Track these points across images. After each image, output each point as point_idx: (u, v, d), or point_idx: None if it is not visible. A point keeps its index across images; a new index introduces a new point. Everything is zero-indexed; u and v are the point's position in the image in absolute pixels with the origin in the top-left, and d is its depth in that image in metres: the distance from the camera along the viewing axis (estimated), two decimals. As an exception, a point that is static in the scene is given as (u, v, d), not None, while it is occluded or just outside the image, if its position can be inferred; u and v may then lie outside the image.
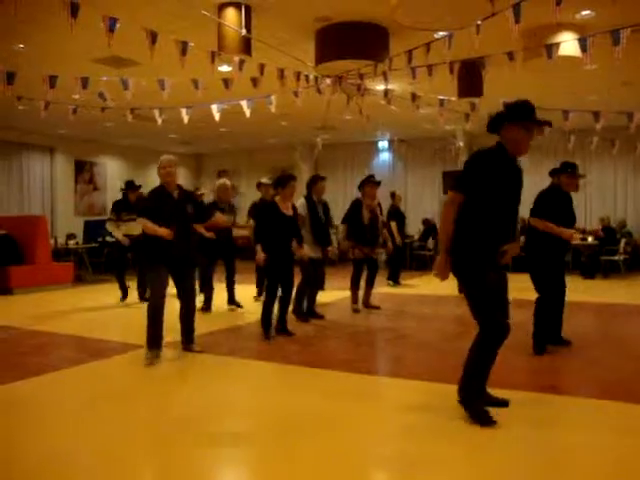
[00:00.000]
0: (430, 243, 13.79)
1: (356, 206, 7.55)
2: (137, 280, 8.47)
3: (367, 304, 7.76)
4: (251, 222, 7.85)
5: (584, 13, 6.41)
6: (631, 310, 7.88)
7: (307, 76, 7.52)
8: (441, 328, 6.42)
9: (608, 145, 9.84)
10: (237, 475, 3.02)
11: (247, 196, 14.75)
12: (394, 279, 10.59)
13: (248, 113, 7.80)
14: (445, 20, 6.34)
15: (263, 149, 16.82)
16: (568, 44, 6.23)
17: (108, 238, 9.72)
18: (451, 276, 3.38)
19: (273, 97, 7.69)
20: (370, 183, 7.59)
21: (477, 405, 3.35)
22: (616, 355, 5.17)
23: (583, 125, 9.35)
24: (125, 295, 8.47)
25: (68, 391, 4.17)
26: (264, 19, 6.54)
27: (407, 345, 5.74)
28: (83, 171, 14.90)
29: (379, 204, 7.86)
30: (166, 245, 4.82)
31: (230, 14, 6.22)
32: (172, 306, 5.31)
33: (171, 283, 5.02)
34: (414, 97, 8.25)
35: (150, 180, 16.66)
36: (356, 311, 7.55)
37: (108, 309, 8.09)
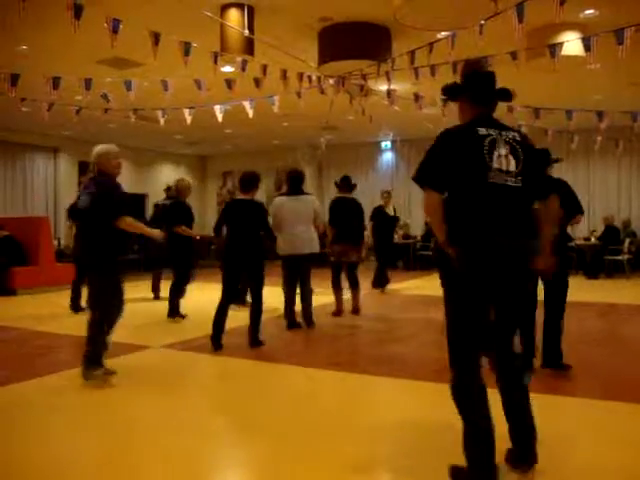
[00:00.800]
0: (433, 243, 13.76)
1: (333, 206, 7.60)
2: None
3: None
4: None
5: (587, 12, 6.39)
6: (635, 310, 7.85)
7: (310, 76, 7.51)
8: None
9: (612, 145, 9.81)
10: (235, 475, 3.02)
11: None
12: (377, 284, 9.74)
13: (251, 114, 7.80)
14: (448, 20, 6.33)
15: (267, 151, 16.82)
16: (572, 43, 6.21)
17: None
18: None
19: (276, 98, 7.69)
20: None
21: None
22: (620, 355, 5.15)
23: (587, 125, 9.31)
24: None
25: (72, 392, 4.17)
26: (267, 19, 6.54)
27: (408, 345, 5.73)
28: (87, 172, 14.85)
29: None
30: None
31: (233, 15, 6.23)
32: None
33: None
34: (417, 97, 8.23)
35: (155, 181, 16.79)
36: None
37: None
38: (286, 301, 6.54)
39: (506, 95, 2.90)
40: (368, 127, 11.78)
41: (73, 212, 5.76)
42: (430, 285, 10.46)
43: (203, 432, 3.36)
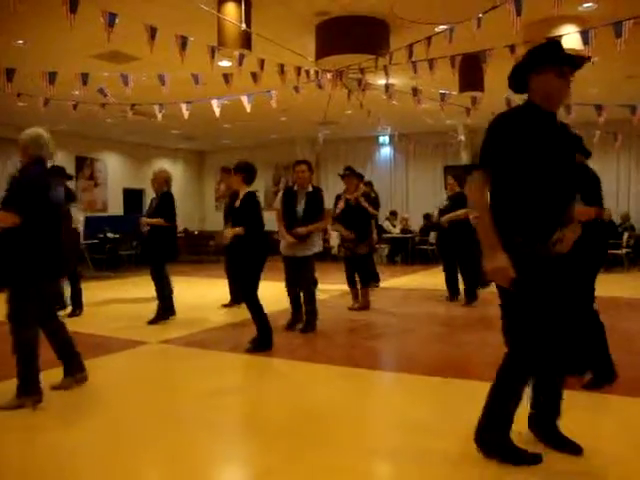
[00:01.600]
0: (432, 237, 13.76)
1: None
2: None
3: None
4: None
5: (586, 5, 6.37)
6: (634, 304, 7.86)
7: (307, 71, 7.48)
8: (445, 323, 6.41)
9: (611, 139, 9.80)
10: (239, 471, 3.01)
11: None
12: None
13: (249, 108, 7.77)
14: (446, 14, 6.30)
15: (265, 145, 16.79)
16: (570, 37, 6.19)
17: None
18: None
19: (274, 92, 7.67)
20: (344, 176, 7.51)
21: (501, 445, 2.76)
22: (620, 349, 5.15)
23: (586, 118, 9.29)
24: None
25: (62, 390, 4.16)
26: (264, 14, 6.50)
27: (410, 340, 5.73)
28: (84, 167, 14.85)
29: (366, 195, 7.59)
30: None
31: (230, 8, 6.19)
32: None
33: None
34: (415, 91, 8.21)
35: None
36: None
37: (108, 305, 8.09)
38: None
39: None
40: (366, 121, 11.75)
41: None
42: (429, 279, 10.46)
43: (201, 427, 3.35)
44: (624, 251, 11.68)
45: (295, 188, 6.18)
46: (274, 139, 16.21)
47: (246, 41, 6.42)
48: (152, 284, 6.64)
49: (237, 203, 5.36)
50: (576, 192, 2.83)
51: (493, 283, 2.71)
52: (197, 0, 5.82)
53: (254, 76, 7.17)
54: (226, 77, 7.15)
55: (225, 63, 7.67)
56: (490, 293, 3.19)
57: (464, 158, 14.26)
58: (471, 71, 7.41)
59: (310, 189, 6.14)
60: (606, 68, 8.67)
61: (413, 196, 15.53)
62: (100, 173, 15.49)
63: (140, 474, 2.88)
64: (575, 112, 8.05)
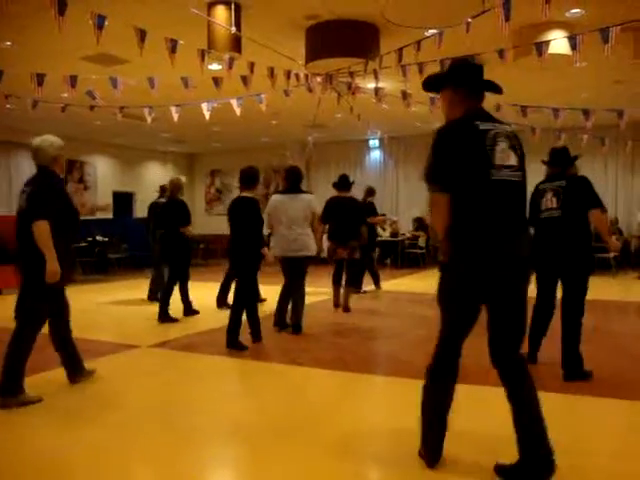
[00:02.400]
0: (421, 241, 13.80)
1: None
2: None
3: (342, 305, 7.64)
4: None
5: (573, 11, 6.42)
6: (621, 307, 7.92)
7: (297, 74, 7.49)
8: (436, 326, 6.41)
9: (598, 143, 9.88)
10: (229, 474, 3.00)
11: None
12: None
13: (238, 112, 7.77)
14: (435, 18, 6.34)
15: (255, 148, 16.77)
16: (558, 42, 6.25)
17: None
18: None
19: (263, 96, 7.67)
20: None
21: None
22: (606, 352, 5.19)
23: (573, 123, 9.37)
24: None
25: (58, 392, 4.13)
26: (254, 17, 6.51)
27: (399, 343, 5.74)
28: (73, 170, 14.78)
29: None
30: None
31: (220, 12, 6.19)
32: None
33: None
34: (405, 95, 8.24)
35: (142, 180, 16.71)
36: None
37: (98, 309, 8.04)
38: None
39: (496, 87, 2.83)
40: (356, 125, 11.78)
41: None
42: (418, 283, 10.49)
43: (191, 431, 3.33)
44: (612, 255, 11.75)
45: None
46: (264, 142, 16.20)
47: (236, 44, 6.42)
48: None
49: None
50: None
51: None
52: (187, 3, 5.82)
53: (244, 79, 7.17)
54: (216, 80, 7.14)
55: (215, 66, 7.66)
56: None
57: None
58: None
59: None
60: (593, 73, 8.75)
61: (403, 199, 15.56)
62: (90, 176, 15.43)
63: (130, 475, 2.86)
64: (563, 116, 8.11)
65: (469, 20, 5.55)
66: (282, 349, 5.51)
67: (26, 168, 14.08)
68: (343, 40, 6.85)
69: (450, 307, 2.76)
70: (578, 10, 6.39)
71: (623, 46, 6.18)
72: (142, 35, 5.47)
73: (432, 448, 2.78)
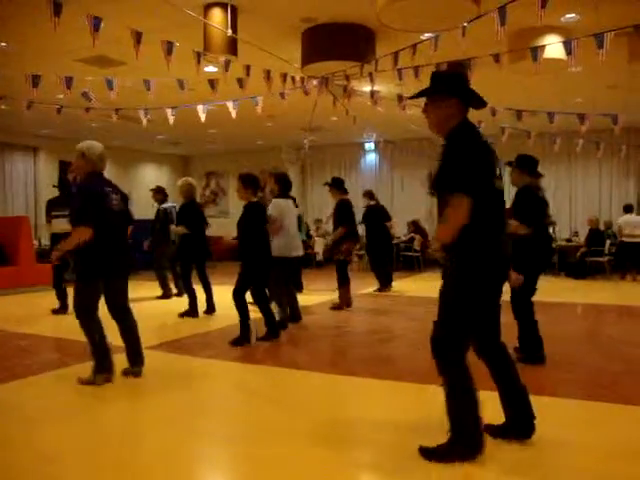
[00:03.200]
0: (416, 244, 13.80)
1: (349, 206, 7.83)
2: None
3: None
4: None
5: (569, 16, 6.46)
6: (616, 310, 7.94)
7: (293, 77, 7.50)
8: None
9: (593, 147, 9.92)
10: (224, 476, 3.00)
11: (234, 197, 14.69)
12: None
13: (234, 114, 7.77)
14: (431, 22, 6.35)
15: (250, 151, 16.78)
16: (553, 47, 6.27)
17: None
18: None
19: (259, 98, 7.67)
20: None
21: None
22: (600, 356, 5.20)
23: (568, 127, 9.41)
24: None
25: (52, 394, 4.12)
26: (250, 20, 6.51)
27: (397, 347, 5.74)
28: (67, 172, 14.72)
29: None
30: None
31: (216, 14, 6.20)
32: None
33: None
34: (400, 98, 8.26)
35: (138, 182, 16.66)
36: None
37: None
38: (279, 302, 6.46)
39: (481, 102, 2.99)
40: (352, 128, 11.80)
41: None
42: (414, 287, 10.50)
43: (187, 434, 3.32)
44: (606, 258, 11.81)
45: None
46: (260, 145, 16.20)
47: (232, 47, 6.42)
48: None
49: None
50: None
51: None
52: (183, 5, 5.82)
53: (240, 82, 7.18)
54: (212, 83, 7.14)
55: (211, 69, 7.66)
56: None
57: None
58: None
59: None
60: (589, 78, 8.79)
61: (398, 203, 15.57)
62: (84, 177, 15.32)
63: (133, 477, 2.86)
64: (558, 121, 8.14)
65: (465, 24, 5.57)
66: (277, 352, 5.50)
67: (21, 169, 14.07)
68: (339, 43, 6.86)
69: (473, 306, 2.84)
70: (573, 15, 6.42)
71: (618, 51, 6.20)
72: (138, 37, 5.46)
73: (478, 433, 2.82)
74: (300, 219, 9.51)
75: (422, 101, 3.17)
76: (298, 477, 2.81)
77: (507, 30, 5.43)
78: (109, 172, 4.65)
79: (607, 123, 7.95)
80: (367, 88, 8.38)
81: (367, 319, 7.38)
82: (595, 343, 5.87)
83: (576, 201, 14.04)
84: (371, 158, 16.44)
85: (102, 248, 4.13)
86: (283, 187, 6.49)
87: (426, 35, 6.49)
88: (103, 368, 4.22)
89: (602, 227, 12.55)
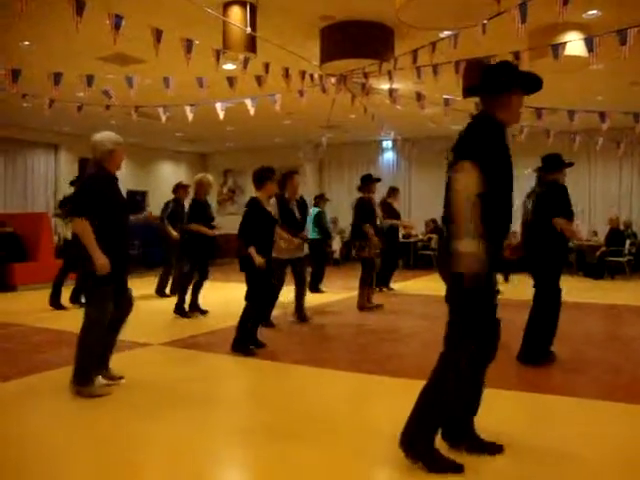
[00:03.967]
0: (434, 243, 13.76)
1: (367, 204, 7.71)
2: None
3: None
4: None
5: (590, 13, 6.38)
6: (635, 311, 7.85)
7: (312, 75, 7.50)
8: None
9: (613, 146, 9.79)
10: (233, 475, 3.01)
11: (251, 195, 14.72)
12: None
13: (252, 111, 7.78)
14: (451, 19, 6.31)
15: (268, 148, 16.81)
16: (574, 44, 6.20)
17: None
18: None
19: (278, 96, 7.68)
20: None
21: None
22: (619, 356, 5.15)
23: (589, 125, 9.30)
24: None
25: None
26: (269, 17, 6.52)
27: (414, 344, 5.73)
28: (87, 169, 14.82)
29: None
30: None
31: (235, 12, 6.22)
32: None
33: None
34: (419, 96, 8.22)
35: (155, 179, 16.78)
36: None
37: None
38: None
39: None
40: (370, 126, 11.75)
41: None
42: (430, 285, 10.46)
43: (197, 429, 3.35)
44: (626, 258, 11.67)
45: (287, 196, 6.60)
46: (277, 142, 16.23)
47: (251, 44, 6.43)
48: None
49: None
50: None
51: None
52: (203, 3, 5.84)
53: (258, 79, 7.19)
54: (230, 80, 7.16)
55: (230, 66, 7.69)
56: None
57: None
58: (475, 77, 7.40)
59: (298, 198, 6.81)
60: (610, 76, 8.67)
61: (415, 201, 15.52)
62: (103, 175, 15.45)
63: (137, 473, 2.88)
64: (579, 119, 8.05)
65: (485, 22, 5.53)
66: (290, 349, 5.52)
67: (42, 167, 14.24)
68: (358, 41, 6.85)
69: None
70: (595, 11, 6.34)
71: (640, 48, 6.12)
72: (158, 35, 5.50)
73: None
74: (320, 217, 9.57)
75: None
76: (316, 474, 2.82)
77: (527, 27, 5.39)
78: (127, 169, 4.64)
79: (628, 121, 7.85)
80: (386, 86, 8.35)
81: (384, 317, 7.36)
82: (614, 343, 5.81)
83: (595, 200, 13.87)
84: (389, 156, 16.39)
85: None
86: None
87: (445, 33, 6.45)
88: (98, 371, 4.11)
89: (622, 227, 12.40)
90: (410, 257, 14.08)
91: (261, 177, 5.54)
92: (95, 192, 3.98)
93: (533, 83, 2.90)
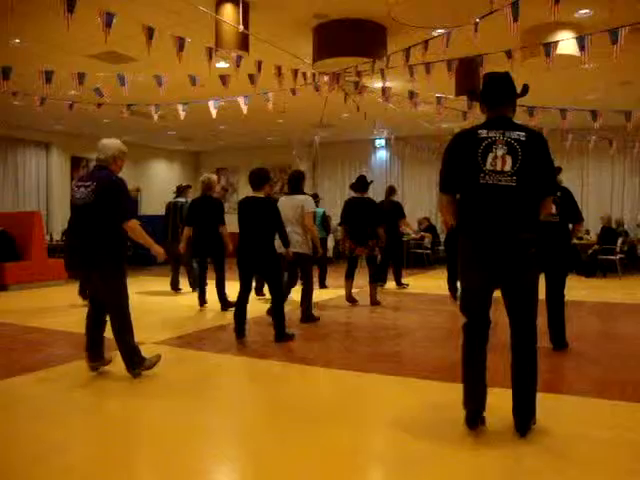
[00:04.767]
0: (427, 242, 13.78)
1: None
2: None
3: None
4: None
5: (582, 12, 6.40)
6: (628, 309, 7.89)
7: (304, 73, 7.49)
8: (439, 326, 6.42)
9: (606, 144, 9.85)
10: (233, 470, 3.01)
11: (244, 194, 14.72)
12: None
13: (245, 110, 7.78)
14: (443, 18, 6.32)
15: (261, 147, 16.80)
16: (566, 43, 6.22)
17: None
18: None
19: (270, 94, 7.67)
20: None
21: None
22: (612, 354, 5.17)
23: (581, 124, 9.35)
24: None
25: (63, 388, 4.15)
26: (262, 15, 6.51)
27: (404, 343, 5.73)
28: (79, 167, 14.79)
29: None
30: None
31: (228, 10, 6.19)
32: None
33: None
34: (412, 95, 8.23)
35: (148, 177, 16.73)
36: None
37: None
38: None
39: (515, 95, 3.30)
40: (363, 124, 11.78)
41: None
42: (424, 284, 10.47)
43: (192, 429, 3.34)
44: (618, 257, 11.72)
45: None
46: (270, 141, 16.21)
47: (243, 43, 6.42)
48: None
49: None
50: None
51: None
52: (195, 1, 5.82)
53: (251, 78, 7.18)
54: (223, 79, 7.15)
55: (222, 65, 7.67)
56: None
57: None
58: (467, 75, 7.44)
59: None
60: (602, 74, 8.71)
61: (409, 200, 15.53)
62: (95, 173, 15.37)
63: (133, 472, 2.87)
64: (571, 117, 8.09)
65: (477, 20, 5.54)
66: (287, 348, 5.51)
67: (33, 165, 14.16)
68: (350, 39, 6.84)
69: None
70: (587, 11, 6.37)
71: (631, 47, 6.14)
72: (150, 33, 5.48)
73: (471, 408, 3.13)
74: (324, 217, 9.81)
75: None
76: (312, 472, 2.82)
77: (520, 26, 5.41)
78: (123, 168, 4.69)
79: (620, 120, 7.89)
80: (378, 84, 8.36)
81: (379, 315, 7.37)
82: (608, 341, 5.84)
83: (588, 198, 13.93)
84: (381, 155, 16.40)
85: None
86: (288, 185, 6.70)
87: (438, 31, 6.46)
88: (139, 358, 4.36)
89: (614, 225, 12.46)
90: (402, 256, 14.06)
91: (262, 179, 5.80)
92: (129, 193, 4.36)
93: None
